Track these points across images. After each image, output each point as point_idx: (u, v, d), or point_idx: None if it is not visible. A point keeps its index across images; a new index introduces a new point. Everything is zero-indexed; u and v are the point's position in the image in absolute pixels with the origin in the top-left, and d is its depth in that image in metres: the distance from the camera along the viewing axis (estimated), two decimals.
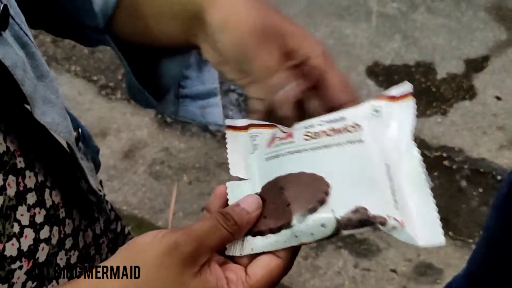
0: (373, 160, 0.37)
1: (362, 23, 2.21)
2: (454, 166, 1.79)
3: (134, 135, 1.87)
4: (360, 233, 0.34)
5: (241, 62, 0.41)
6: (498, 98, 1.97)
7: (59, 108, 0.42)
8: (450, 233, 1.65)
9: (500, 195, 0.82)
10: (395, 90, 0.39)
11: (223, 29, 0.40)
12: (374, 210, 0.34)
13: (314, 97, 0.42)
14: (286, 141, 0.40)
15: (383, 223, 0.34)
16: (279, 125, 0.42)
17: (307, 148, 0.38)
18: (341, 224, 0.34)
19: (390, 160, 0.37)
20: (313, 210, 0.35)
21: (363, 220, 0.34)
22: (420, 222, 0.35)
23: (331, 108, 0.42)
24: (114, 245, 0.56)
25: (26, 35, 0.40)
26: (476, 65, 2.07)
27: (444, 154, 1.82)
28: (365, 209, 0.34)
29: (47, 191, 0.42)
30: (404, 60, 2.09)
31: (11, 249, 0.37)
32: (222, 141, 1.85)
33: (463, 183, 1.76)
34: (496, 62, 2.07)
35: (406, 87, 0.39)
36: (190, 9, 0.42)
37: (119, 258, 0.36)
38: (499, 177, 1.76)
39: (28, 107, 0.39)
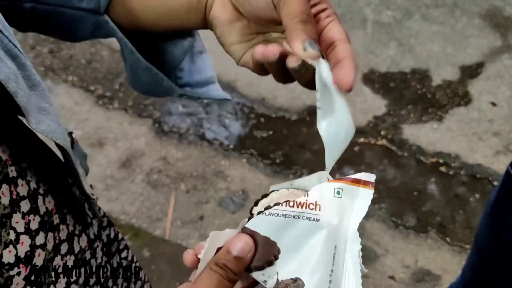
0: (324, 241, 0.40)
1: (358, 31, 2.23)
2: (451, 172, 1.80)
3: (131, 144, 1.87)
4: None
5: (266, 8, 0.41)
6: (493, 104, 1.98)
7: (53, 115, 0.42)
8: (448, 239, 1.65)
9: (488, 204, 0.83)
10: (360, 175, 0.42)
11: None
12: (309, 285, 0.39)
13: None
14: None
15: None
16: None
17: (266, 213, 0.41)
18: None
19: (338, 243, 0.41)
20: (260, 268, 0.39)
21: None
22: None
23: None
24: (108, 249, 0.56)
25: (15, 47, 0.40)
26: (471, 71, 2.09)
27: (441, 160, 1.83)
28: (303, 283, 0.39)
29: (40, 198, 0.43)
30: (399, 67, 2.10)
31: (8, 256, 0.38)
32: (219, 149, 1.86)
33: (460, 189, 1.76)
34: (491, 68, 2.09)
35: (370, 176, 0.42)
36: None
37: None
38: (495, 183, 1.76)
39: (23, 119, 0.40)
